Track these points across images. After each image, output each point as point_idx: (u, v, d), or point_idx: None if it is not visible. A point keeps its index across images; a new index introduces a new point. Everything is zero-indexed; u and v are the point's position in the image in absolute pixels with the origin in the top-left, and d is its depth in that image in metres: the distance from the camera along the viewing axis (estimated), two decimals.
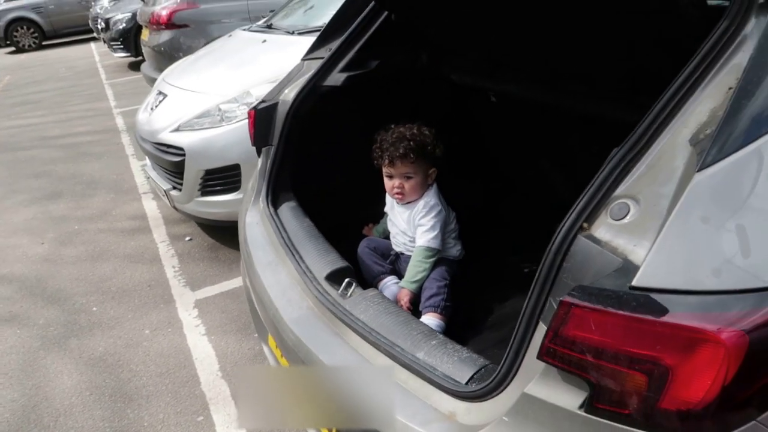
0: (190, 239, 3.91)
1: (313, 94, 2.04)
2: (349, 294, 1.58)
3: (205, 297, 3.25)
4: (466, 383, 1.16)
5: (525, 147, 2.34)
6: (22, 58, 14.78)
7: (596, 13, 1.39)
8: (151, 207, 4.51)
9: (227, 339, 2.85)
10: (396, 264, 2.12)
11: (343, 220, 2.14)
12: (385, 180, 2.04)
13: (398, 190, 2.00)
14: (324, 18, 4.03)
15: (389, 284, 2.00)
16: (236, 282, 3.35)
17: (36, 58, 14.58)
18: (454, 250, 2.07)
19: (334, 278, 1.64)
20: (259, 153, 2.21)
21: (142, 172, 5.22)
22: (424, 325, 1.37)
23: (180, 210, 3.74)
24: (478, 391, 1.09)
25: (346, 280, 1.61)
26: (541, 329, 1.01)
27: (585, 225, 0.99)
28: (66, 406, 2.53)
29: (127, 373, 2.69)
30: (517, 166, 2.47)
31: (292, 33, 3.93)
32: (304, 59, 2.20)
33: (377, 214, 2.29)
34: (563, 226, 1.00)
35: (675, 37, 1.21)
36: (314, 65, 2.11)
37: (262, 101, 2.15)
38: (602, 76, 1.59)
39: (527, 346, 1.03)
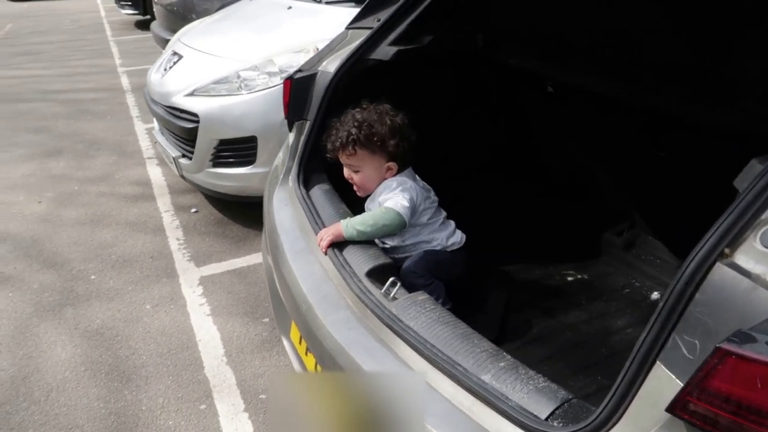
0: (196, 211, 3.71)
1: (357, 66, 1.85)
2: (392, 295, 1.40)
3: (211, 274, 3.07)
4: (546, 419, 1.00)
5: (579, 146, 2.15)
6: (24, 7, 14.36)
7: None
8: (155, 173, 4.30)
9: (233, 322, 2.68)
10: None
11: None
12: None
13: (352, 182, 1.78)
14: None
15: None
16: (243, 261, 3.17)
17: (39, 8, 14.17)
18: (443, 237, 1.81)
19: (376, 276, 1.47)
20: (290, 127, 2.01)
21: (148, 136, 5.00)
22: (487, 341, 1.20)
23: (188, 180, 3.54)
24: None
25: (391, 279, 1.43)
26: (658, 371, 0.85)
27: (727, 251, 0.82)
28: (59, 380, 2.35)
29: (126, 350, 2.51)
30: (566, 167, 2.28)
31: (320, 1, 3.70)
32: (348, 28, 2.00)
33: None
34: (700, 249, 0.83)
35: None
36: (360, 35, 1.91)
37: (299, 70, 1.95)
38: (700, 73, 1.40)
39: (637, 389, 0.86)
